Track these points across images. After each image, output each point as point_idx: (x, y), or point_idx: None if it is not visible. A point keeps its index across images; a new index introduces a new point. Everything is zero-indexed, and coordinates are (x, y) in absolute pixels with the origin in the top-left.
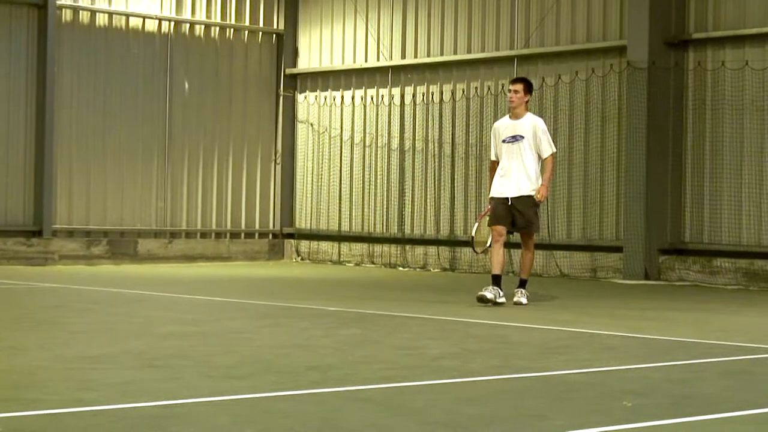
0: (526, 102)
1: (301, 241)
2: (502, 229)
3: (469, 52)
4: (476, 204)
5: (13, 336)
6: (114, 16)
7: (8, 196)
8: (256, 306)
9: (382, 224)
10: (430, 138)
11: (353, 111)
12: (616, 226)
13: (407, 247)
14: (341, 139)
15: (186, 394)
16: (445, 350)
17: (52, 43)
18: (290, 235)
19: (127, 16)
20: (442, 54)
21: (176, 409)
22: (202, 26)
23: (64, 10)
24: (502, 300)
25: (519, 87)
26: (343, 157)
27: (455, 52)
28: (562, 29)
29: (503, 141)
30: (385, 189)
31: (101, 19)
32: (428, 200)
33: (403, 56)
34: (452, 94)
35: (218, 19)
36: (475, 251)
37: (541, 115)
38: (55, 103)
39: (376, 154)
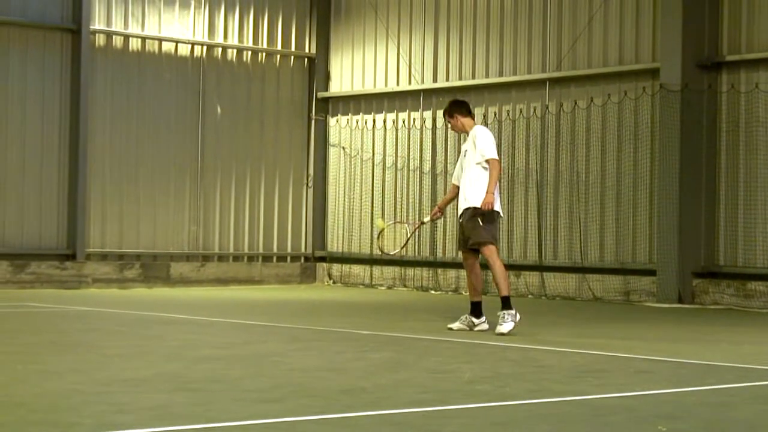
0: (463, 119)
1: (333, 265)
2: (462, 254)
3: (501, 75)
4: (508, 226)
5: (48, 359)
6: (147, 40)
7: (42, 220)
8: (288, 329)
9: (414, 247)
10: None
11: (385, 134)
12: (649, 249)
13: (439, 270)
14: (373, 163)
15: (219, 418)
16: (478, 374)
17: (86, 68)
18: (322, 259)
19: (160, 40)
20: (473, 77)
21: None
22: (235, 50)
23: (97, 35)
24: (484, 327)
25: (446, 117)
26: (374, 181)
27: (487, 76)
28: (594, 52)
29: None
30: (416, 212)
31: (134, 44)
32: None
33: (435, 80)
34: (484, 117)
35: (250, 44)
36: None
37: (573, 139)
38: (89, 128)
39: (408, 178)
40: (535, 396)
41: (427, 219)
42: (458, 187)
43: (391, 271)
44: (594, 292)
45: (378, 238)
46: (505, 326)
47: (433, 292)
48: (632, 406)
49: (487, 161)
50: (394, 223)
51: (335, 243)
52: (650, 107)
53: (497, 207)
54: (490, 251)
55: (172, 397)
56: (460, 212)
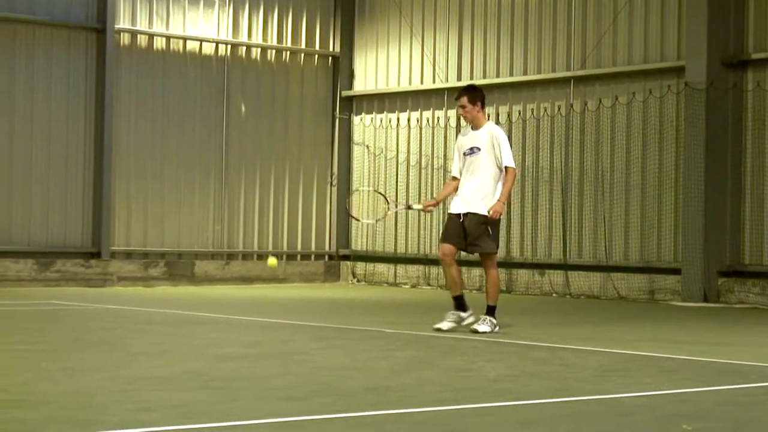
0: (480, 111)
1: (357, 263)
2: (447, 248)
3: (525, 73)
4: (532, 224)
5: (73, 357)
6: (171, 39)
7: (67, 218)
8: (312, 328)
9: (438, 246)
10: None
11: (409, 133)
12: (674, 247)
13: (463, 268)
14: (397, 161)
15: (244, 416)
16: (502, 372)
17: (111, 67)
18: (346, 257)
19: (185, 39)
20: (497, 75)
21: (234, 431)
22: (259, 49)
23: (122, 34)
24: (471, 319)
25: (463, 100)
26: (398, 179)
27: (511, 74)
28: (619, 50)
29: (464, 154)
30: (440, 210)
31: (159, 43)
32: None
33: (459, 78)
34: (508, 115)
35: (274, 42)
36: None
37: (597, 138)
38: (114, 126)
39: (432, 176)
40: (560, 395)
41: (416, 206)
42: (458, 181)
43: (415, 270)
44: (619, 291)
45: (349, 206)
46: (483, 327)
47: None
48: (657, 405)
49: (505, 168)
50: (385, 200)
51: (359, 241)
52: (675, 105)
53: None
54: (492, 261)
55: (197, 395)
56: (459, 210)
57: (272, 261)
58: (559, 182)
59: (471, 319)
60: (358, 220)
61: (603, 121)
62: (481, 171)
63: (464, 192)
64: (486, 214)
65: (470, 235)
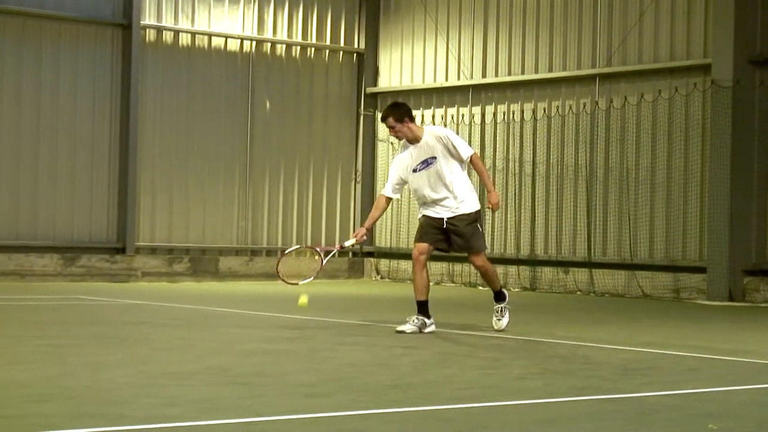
0: (410, 123)
1: (381, 260)
2: (424, 246)
3: (550, 70)
4: (557, 222)
5: (98, 351)
6: (197, 35)
7: (93, 214)
8: (336, 324)
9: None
10: (510, 157)
11: None
12: (699, 246)
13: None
14: None
15: (268, 412)
16: (526, 370)
17: (136, 63)
18: (370, 254)
19: (210, 35)
20: (523, 73)
21: (258, 427)
22: (284, 45)
23: (148, 30)
24: (431, 329)
25: (390, 121)
26: None
27: (536, 71)
28: (645, 47)
29: (414, 171)
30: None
31: (184, 39)
32: (508, 219)
33: (484, 75)
34: (533, 113)
35: (299, 39)
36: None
37: (622, 135)
38: (139, 122)
39: None
40: (584, 393)
41: (348, 243)
42: (389, 201)
43: (439, 267)
44: (643, 289)
45: (279, 268)
46: (504, 321)
47: (480, 287)
48: (681, 405)
49: (469, 159)
50: (307, 248)
51: (383, 238)
52: (701, 103)
53: (478, 205)
54: (484, 257)
55: (221, 390)
56: (440, 215)
57: (303, 300)
58: (584, 180)
59: (432, 327)
60: (296, 284)
61: (628, 118)
62: (445, 177)
63: (435, 200)
64: (471, 212)
65: (463, 237)
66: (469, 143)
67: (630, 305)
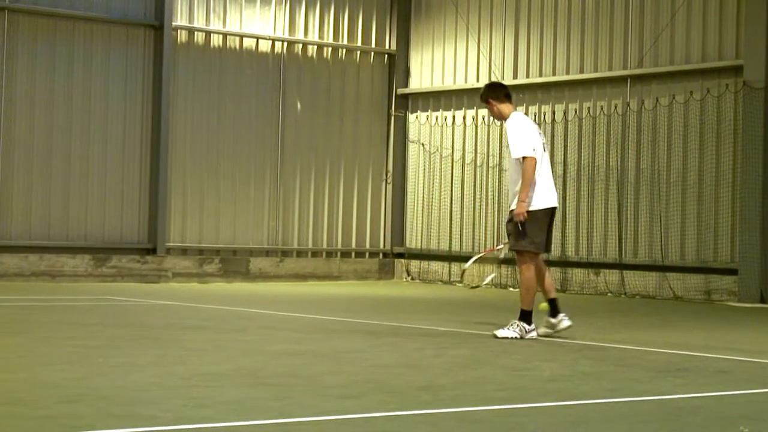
0: (498, 106)
1: (412, 261)
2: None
3: (581, 72)
4: (587, 223)
5: (129, 352)
6: (228, 36)
7: (124, 214)
8: (366, 325)
9: (493, 244)
10: None
11: (464, 131)
12: (731, 248)
13: (517, 267)
14: (452, 159)
15: (298, 413)
16: (557, 372)
17: (168, 64)
18: (400, 255)
19: (241, 36)
20: (554, 74)
21: (288, 428)
22: (315, 46)
23: (179, 31)
24: (565, 323)
25: (485, 103)
26: (453, 177)
27: (567, 72)
28: (676, 48)
29: None
30: (495, 209)
31: (216, 40)
32: None
33: (515, 76)
34: (564, 114)
35: (330, 40)
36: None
37: (654, 137)
38: (170, 123)
39: (487, 174)
40: (614, 395)
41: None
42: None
43: (469, 268)
44: (674, 291)
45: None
46: (503, 332)
47: (511, 289)
48: (713, 407)
49: (522, 160)
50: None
51: (414, 239)
52: (733, 105)
53: (540, 204)
54: (523, 259)
55: (251, 391)
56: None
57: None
58: (615, 181)
59: (565, 323)
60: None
61: (660, 120)
62: (512, 166)
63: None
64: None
65: (509, 235)
66: (500, 145)
67: (661, 307)
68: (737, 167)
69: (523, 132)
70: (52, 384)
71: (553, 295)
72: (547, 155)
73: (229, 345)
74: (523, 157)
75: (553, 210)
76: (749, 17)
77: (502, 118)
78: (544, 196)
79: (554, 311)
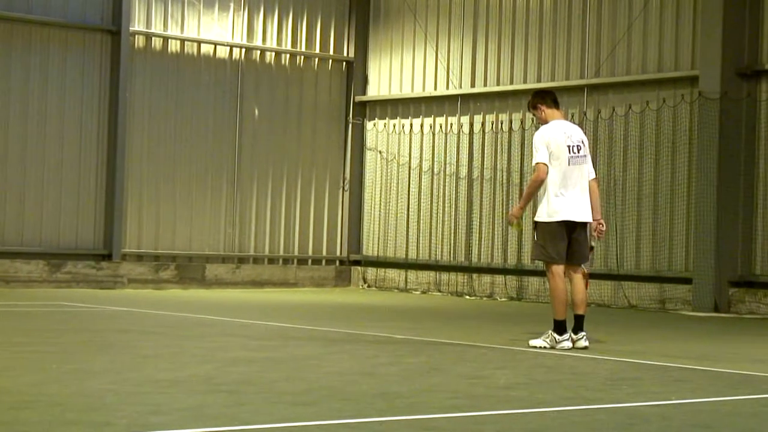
0: (543, 110)
1: (368, 268)
2: None
3: (538, 80)
4: None
5: (83, 358)
6: (186, 42)
7: (79, 220)
8: (322, 332)
9: (450, 252)
10: (498, 167)
11: (422, 139)
12: (685, 257)
13: (474, 275)
14: (409, 167)
15: (253, 420)
16: (512, 380)
17: (125, 69)
18: (357, 262)
19: (199, 42)
20: (511, 83)
21: None
22: (273, 53)
23: (137, 36)
24: (583, 343)
25: (533, 109)
26: (411, 185)
27: (525, 81)
28: (633, 59)
29: None
30: (452, 217)
31: (173, 46)
32: (496, 229)
33: (473, 84)
34: (521, 122)
35: (289, 47)
36: None
37: (610, 146)
38: (127, 128)
39: (444, 182)
40: (570, 403)
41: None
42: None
43: (425, 276)
44: (629, 300)
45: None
46: (535, 341)
47: (467, 297)
48: (667, 415)
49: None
50: None
51: (370, 247)
52: (689, 115)
53: (552, 217)
54: (548, 269)
55: (206, 398)
56: None
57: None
58: None
59: (583, 343)
60: None
61: (616, 129)
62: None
63: None
64: (536, 220)
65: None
66: (457, 153)
67: (616, 316)
68: (692, 177)
69: (540, 141)
70: (5, 390)
71: (578, 311)
72: (579, 167)
73: (184, 351)
74: (536, 163)
75: (571, 223)
76: (705, 28)
77: (545, 123)
78: (561, 208)
79: (576, 327)
